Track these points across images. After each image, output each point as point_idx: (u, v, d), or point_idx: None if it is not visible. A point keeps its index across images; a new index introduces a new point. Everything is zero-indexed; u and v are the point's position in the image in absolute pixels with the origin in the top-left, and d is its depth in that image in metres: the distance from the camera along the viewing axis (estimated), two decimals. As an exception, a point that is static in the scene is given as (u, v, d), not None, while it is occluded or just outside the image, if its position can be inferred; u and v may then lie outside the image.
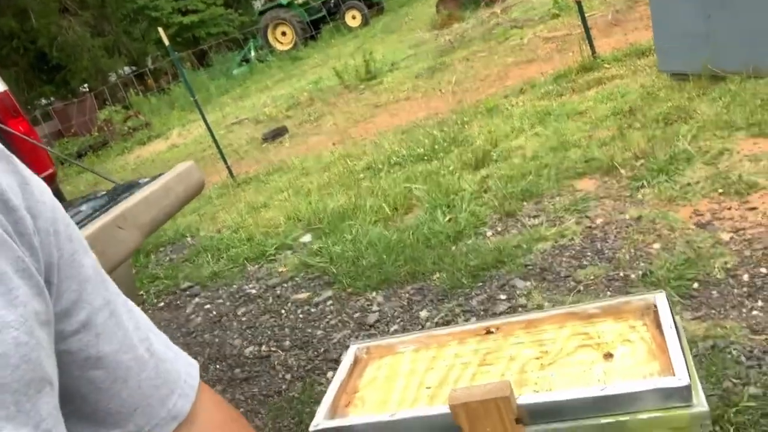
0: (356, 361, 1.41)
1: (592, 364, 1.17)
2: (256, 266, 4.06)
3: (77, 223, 1.59)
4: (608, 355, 1.19)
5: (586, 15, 5.97)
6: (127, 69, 21.49)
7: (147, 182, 1.69)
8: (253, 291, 3.72)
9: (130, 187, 1.71)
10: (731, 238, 2.52)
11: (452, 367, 1.30)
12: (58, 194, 2.16)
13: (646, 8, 6.32)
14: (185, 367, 0.60)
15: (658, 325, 1.20)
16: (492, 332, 1.36)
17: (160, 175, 1.74)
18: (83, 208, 1.69)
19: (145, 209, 1.49)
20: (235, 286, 3.91)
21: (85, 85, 19.96)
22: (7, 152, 0.49)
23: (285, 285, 3.63)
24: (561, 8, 8.29)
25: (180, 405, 0.56)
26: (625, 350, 1.18)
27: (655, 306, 1.24)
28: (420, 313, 2.85)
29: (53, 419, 0.44)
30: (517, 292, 2.70)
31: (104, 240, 1.33)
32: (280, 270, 3.85)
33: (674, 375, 1.01)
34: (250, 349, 3.11)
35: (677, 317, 1.24)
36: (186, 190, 1.66)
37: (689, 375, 1.00)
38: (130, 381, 0.53)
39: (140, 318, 0.58)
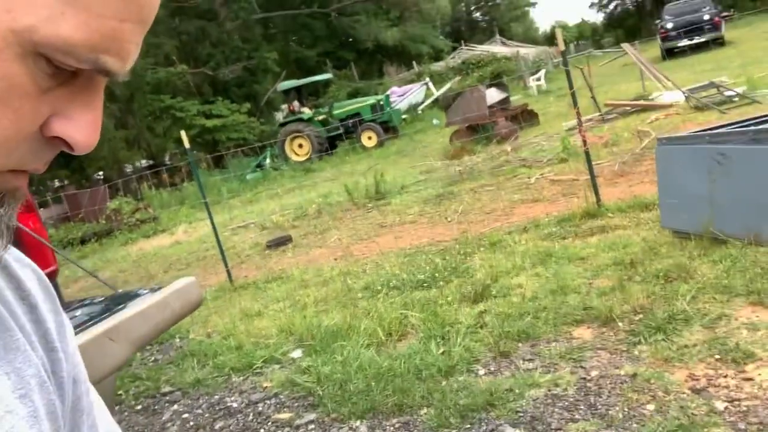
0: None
1: None
2: (241, 378, 3.97)
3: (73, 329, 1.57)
4: None
5: (593, 163, 6.17)
6: (144, 162, 22.06)
7: (146, 294, 1.69)
8: (235, 405, 3.62)
9: (128, 297, 1.71)
10: (726, 408, 2.47)
11: None
12: (57, 295, 2.16)
13: (652, 162, 6.53)
14: None
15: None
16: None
17: (159, 288, 1.75)
18: (78, 313, 1.68)
19: (140, 324, 1.48)
20: (216, 396, 3.80)
21: (101, 173, 20.41)
22: (53, 291, 0.53)
23: (268, 402, 3.53)
24: (569, 153, 8.57)
25: None
26: None
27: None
28: (403, 449, 2.75)
29: None
30: (505, 439, 2.62)
31: (94, 351, 1.31)
32: (265, 385, 3.76)
33: None
34: (223, 467, 2.99)
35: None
36: (183, 307, 1.66)
37: None
38: None
39: None
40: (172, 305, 1.59)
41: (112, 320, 1.44)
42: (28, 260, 0.56)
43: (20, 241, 1.84)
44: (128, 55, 0.44)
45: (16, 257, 0.54)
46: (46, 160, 0.46)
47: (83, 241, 12.61)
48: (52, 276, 2.10)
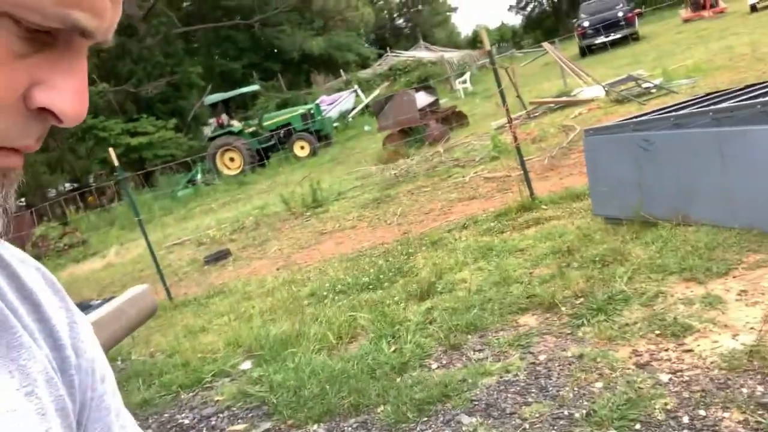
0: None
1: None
2: (191, 394, 3.89)
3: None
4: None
5: (523, 159, 6.34)
6: (68, 185, 21.28)
7: (99, 304, 1.64)
8: (186, 421, 3.54)
9: (81, 308, 1.66)
10: (670, 379, 2.58)
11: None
12: None
13: (580, 155, 6.76)
14: None
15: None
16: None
17: (112, 297, 1.70)
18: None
19: (96, 334, 1.43)
20: (166, 414, 3.71)
21: (23, 199, 19.57)
22: (61, 287, 0.52)
23: (221, 415, 3.47)
24: (500, 151, 8.77)
25: None
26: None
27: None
28: (363, 448, 2.75)
29: None
30: (463, 428, 2.66)
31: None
32: (216, 399, 3.70)
33: None
34: (180, 484, 2.92)
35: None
36: (139, 314, 1.62)
37: None
38: None
39: None
40: (128, 313, 1.54)
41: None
42: (33, 261, 0.55)
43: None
44: (103, 11, 0.41)
45: (20, 258, 0.53)
46: (36, 137, 0.44)
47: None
48: None
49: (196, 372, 4.11)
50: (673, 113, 4.01)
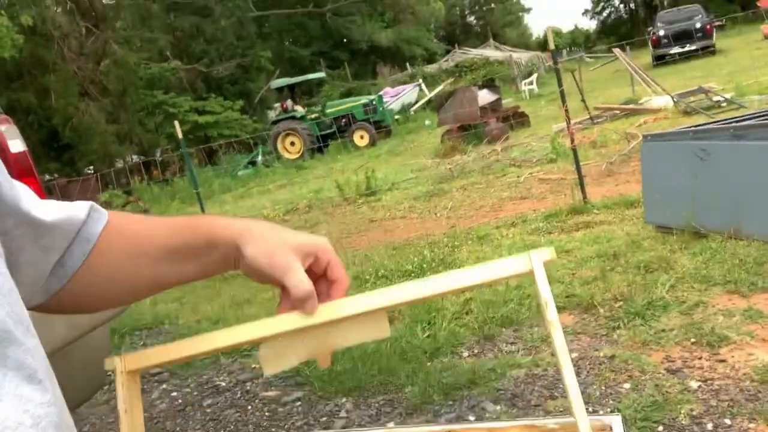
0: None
1: (545, 475, 1.20)
2: (230, 360, 4.04)
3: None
4: (561, 468, 1.22)
5: (581, 163, 6.28)
6: (135, 157, 22.03)
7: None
8: (223, 384, 3.69)
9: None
10: (699, 386, 2.56)
11: (410, 464, 1.33)
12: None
13: (639, 163, 6.65)
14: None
15: (612, 446, 1.24)
16: (453, 435, 1.39)
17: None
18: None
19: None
20: (205, 376, 3.87)
21: (91, 167, 20.38)
22: None
23: (256, 381, 3.60)
24: (558, 154, 8.68)
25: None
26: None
27: (611, 428, 1.29)
28: (388, 424, 2.82)
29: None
30: (487, 414, 2.70)
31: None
32: (253, 366, 3.83)
33: (621, 492, 1.05)
34: (211, 441, 3.05)
35: (631, 440, 1.28)
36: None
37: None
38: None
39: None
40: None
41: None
42: None
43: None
44: None
45: None
46: None
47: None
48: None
49: (237, 340, 4.26)
50: (734, 124, 3.92)
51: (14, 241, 0.60)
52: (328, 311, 0.71)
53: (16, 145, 1.97)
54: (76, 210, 0.70)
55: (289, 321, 0.71)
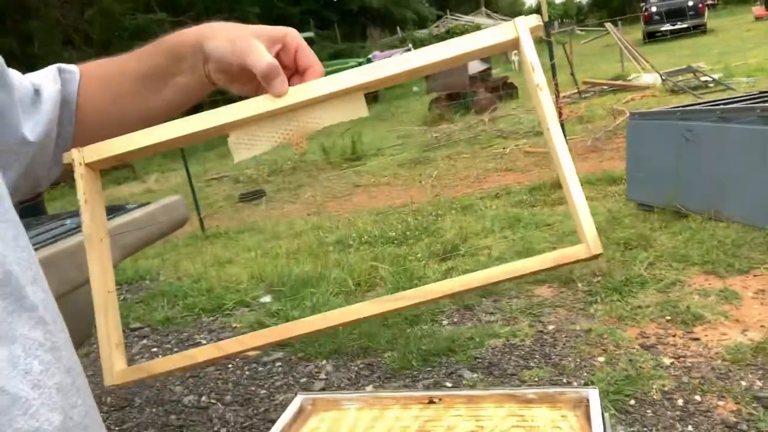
0: (300, 411, 1.45)
1: (523, 444, 1.24)
2: (211, 318, 4.06)
3: (60, 235, 1.65)
4: (538, 438, 1.26)
5: (567, 138, 6.31)
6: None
7: (133, 208, 1.76)
8: (203, 341, 3.71)
9: (117, 209, 1.78)
10: (672, 363, 2.63)
11: (391, 429, 1.36)
12: (39, 207, 2.22)
13: (624, 140, 6.68)
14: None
15: (588, 418, 1.28)
16: (435, 402, 1.42)
17: (147, 203, 1.82)
18: (68, 222, 1.74)
19: (128, 231, 1.55)
20: (185, 333, 3.89)
21: (72, 118, 20.03)
22: None
23: (237, 340, 3.62)
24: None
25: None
26: (550, 434, 1.25)
27: (588, 400, 1.33)
28: (366, 387, 2.87)
29: None
30: (464, 381, 2.76)
31: (84, 254, 1.37)
32: (234, 325, 3.86)
33: (595, 464, 1.09)
34: (190, 398, 3.08)
35: (606, 414, 1.32)
36: (170, 222, 1.73)
37: (608, 465, 1.08)
38: None
39: None
40: (159, 219, 1.66)
41: (102, 225, 1.50)
42: None
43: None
44: None
45: None
46: None
47: (53, 185, 12.44)
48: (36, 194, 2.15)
49: (219, 299, 4.28)
50: (721, 106, 3.95)
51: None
52: (299, 92, 0.67)
53: None
54: (47, 80, 0.70)
55: (258, 105, 0.68)
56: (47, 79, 0.71)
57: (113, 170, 13.10)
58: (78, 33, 19.54)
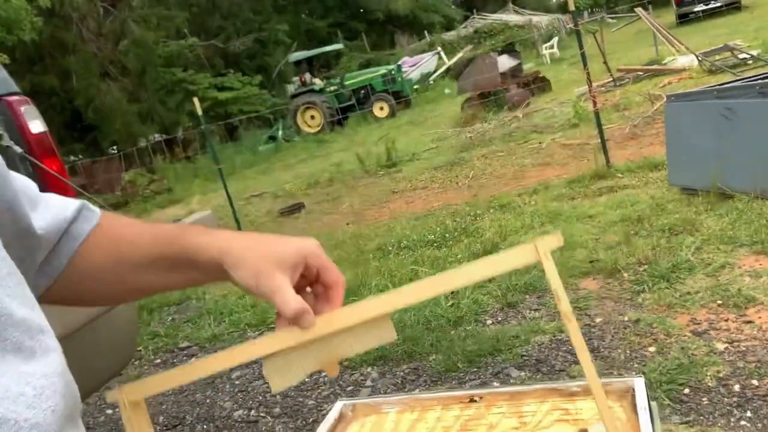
0: (341, 417, 1.44)
1: (567, 438, 1.21)
2: (257, 332, 4.09)
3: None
4: (583, 431, 1.22)
5: (604, 127, 6.19)
6: (157, 136, 22.18)
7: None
8: (251, 356, 3.74)
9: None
10: (726, 348, 2.54)
11: (433, 430, 1.34)
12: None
13: (663, 125, 6.53)
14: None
15: (634, 408, 1.24)
16: (476, 401, 1.40)
17: (178, 220, 1.84)
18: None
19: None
20: (233, 349, 3.92)
21: (114, 147, 20.58)
22: None
23: (283, 353, 3.65)
24: (581, 118, 8.56)
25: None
26: (600, 428, 1.22)
27: (633, 390, 1.29)
28: (413, 392, 2.85)
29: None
30: (511, 380, 2.71)
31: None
32: (279, 338, 3.88)
33: (643, 453, 1.05)
34: (240, 412, 3.11)
35: (653, 403, 1.28)
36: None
37: (657, 455, 1.04)
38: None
39: None
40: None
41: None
42: None
43: (45, 184, 1.95)
44: None
45: None
46: None
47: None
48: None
49: (263, 313, 4.31)
50: (759, 81, 3.83)
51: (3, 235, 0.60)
52: (326, 323, 0.69)
53: (37, 125, 1.99)
54: (66, 208, 0.70)
55: (288, 337, 0.69)
56: (67, 203, 0.70)
57: (156, 195, 13.40)
58: (114, 65, 20.07)
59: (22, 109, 1.95)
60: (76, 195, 2.31)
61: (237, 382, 3.45)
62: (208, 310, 4.75)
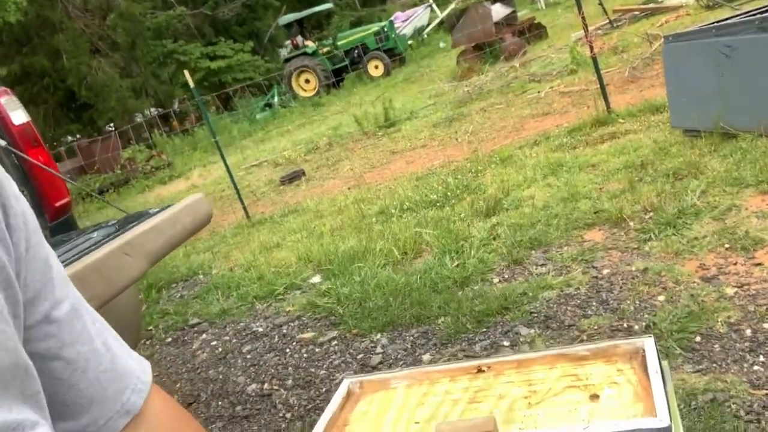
0: (349, 395, 1.42)
1: (579, 405, 1.18)
2: (265, 305, 4.09)
3: (87, 249, 1.65)
4: (594, 397, 1.20)
5: (603, 71, 6.08)
6: (153, 110, 22.00)
7: (156, 212, 1.75)
8: (260, 329, 3.75)
9: (140, 216, 1.78)
10: (736, 292, 2.51)
11: (442, 403, 1.32)
12: (70, 222, 2.25)
13: (662, 65, 6.41)
14: (138, 365, 0.59)
15: (645, 369, 1.22)
16: (483, 371, 1.38)
17: (169, 206, 1.81)
18: (94, 234, 1.75)
19: (153, 238, 1.54)
20: (242, 323, 3.93)
21: (111, 124, 20.43)
22: None
23: (291, 324, 3.65)
24: (578, 64, 8.41)
25: (133, 400, 0.56)
26: (612, 392, 1.19)
27: (644, 350, 1.26)
28: (423, 356, 2.85)
29: (40, 400, 0.46)
30: (521, 338, 2.70)
31: (111, 266, 1.37)
32: (287, 309, 3.88)
33: (656, 416, 1.03)
34: (253, 386, 3.12)
35: (664, 362, 1.25)
36: (194, 221, 1.72)
37: (671, 417, 1.01)
38: (88, 373, 0.53)
39: (96, 315, 0.58)
40: (183, 220, 1.64)
41: (125, 236, 1.50)
42: None
43: (32, 176, 1.91)
44: None
45: None
46: None
47: (101, 192, 12.75)
48: (65, 208, 2.17)
49: (270, 285, 4.31)
50: (759, 16, 3.72)
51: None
52: None
53: (19, 116, 1.93)
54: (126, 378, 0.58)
55: None
56: (133, 355, 0.61)
57: (157, 170, 13.34)
58: (103, 40, 19.79)
59: (2, 100, 1.89)
60: (65, 185, 2.27)
61: (248, 356, 3.46)
62: (216, 285, 4.75)
